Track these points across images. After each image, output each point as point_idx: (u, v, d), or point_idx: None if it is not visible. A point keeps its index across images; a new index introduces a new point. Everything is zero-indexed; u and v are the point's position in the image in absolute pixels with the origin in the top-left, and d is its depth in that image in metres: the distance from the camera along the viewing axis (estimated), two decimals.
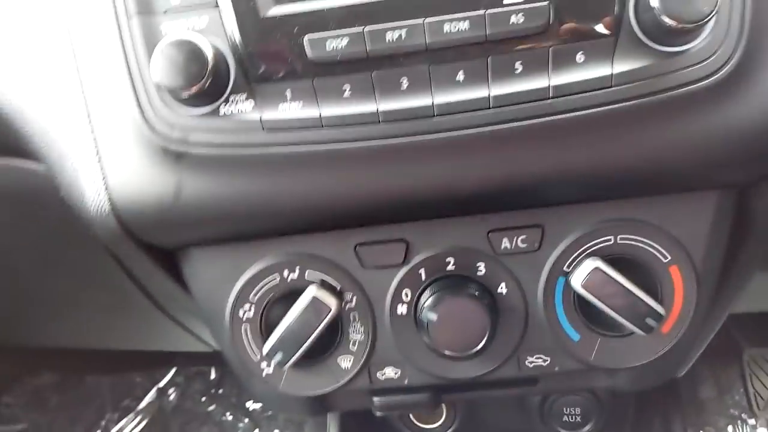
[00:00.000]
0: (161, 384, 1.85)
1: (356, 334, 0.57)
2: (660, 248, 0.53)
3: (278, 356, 0.55)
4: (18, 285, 0.97)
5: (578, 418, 0.91)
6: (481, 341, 0.52)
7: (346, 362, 0.57)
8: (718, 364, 1.43)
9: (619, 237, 0.53)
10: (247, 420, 1.75)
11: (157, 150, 0.49)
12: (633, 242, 0.53)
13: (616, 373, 0.59)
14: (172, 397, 1.84)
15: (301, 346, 0.54)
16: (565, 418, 0.92)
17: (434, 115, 0.46)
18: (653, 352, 0.55)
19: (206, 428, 1.77)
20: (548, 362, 0.57)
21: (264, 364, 0.57)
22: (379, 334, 0.57)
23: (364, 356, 0.57)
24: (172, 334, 1.13)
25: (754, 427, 1.42)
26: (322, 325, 0.54)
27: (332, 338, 0.57)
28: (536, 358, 0.57)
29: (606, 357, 0.55)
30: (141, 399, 1.84)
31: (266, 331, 0.56)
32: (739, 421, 1.43)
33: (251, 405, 1.77)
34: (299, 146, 0.48)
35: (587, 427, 0.91)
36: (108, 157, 0.51)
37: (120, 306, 1.06)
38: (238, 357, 0.57)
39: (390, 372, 0.58)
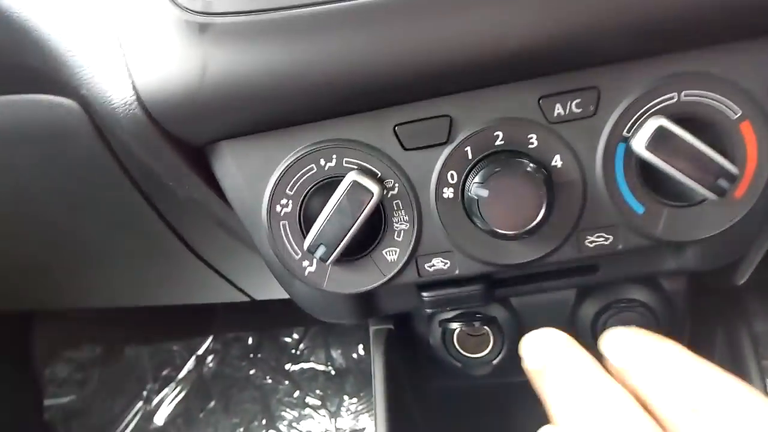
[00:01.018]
0: (200, 351, 1.86)
1: (401, 223, 0.53)
2: (729, 102, 0.48)
3: (320, 251, 0.51)
4: (49, 234, 0.96)
5: None
6: (537, 217, 0.48)
7: (392, 255, 0.54)
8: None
9: (683, 93, 0.48)
10: (287, 382, 1.75)
11: (179, 23, 0.46)
12: (698, 98, 0.48)
13: (683, 250, 0.54)
14: (211, 365, 1.84)
15: (344, 238, 0.51)
16: None
17: None
18: (726, 219, 0.51)
19: (247, 393, 1.77)
20: (610, 240, 0.52)
21: (306, 262, 0.54)
22: (425, 222, 0.53)
23: (411, 247, 0.53)
24: (210, 285, 1.11)
25: None
26: (364, 213, 0.50)
27: (376, 230, 0.53)
28: (597, 236, 0.52)
29: (675, 229, 0.51)
30: (180, 368, 1.84)
31: (306, 226, 0.53)
32: None
33: (290, 367, 1.77)
34: (333, 3, 0.44)
35: None
36: (128, 40, 0.48)
37: (155, 255, 1.05)
38: (279, 257, 0.54)
39: (439, 263, 0.54)
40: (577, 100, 0.49)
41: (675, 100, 0.48)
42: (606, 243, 0.53)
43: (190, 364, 1.86)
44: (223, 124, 0.51)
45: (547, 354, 0.41)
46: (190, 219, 0.87)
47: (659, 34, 0.46)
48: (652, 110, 0.49)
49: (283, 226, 0.54)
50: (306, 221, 0.53)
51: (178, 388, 1.82)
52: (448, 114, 0.51)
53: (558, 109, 0.49)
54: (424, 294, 0.57)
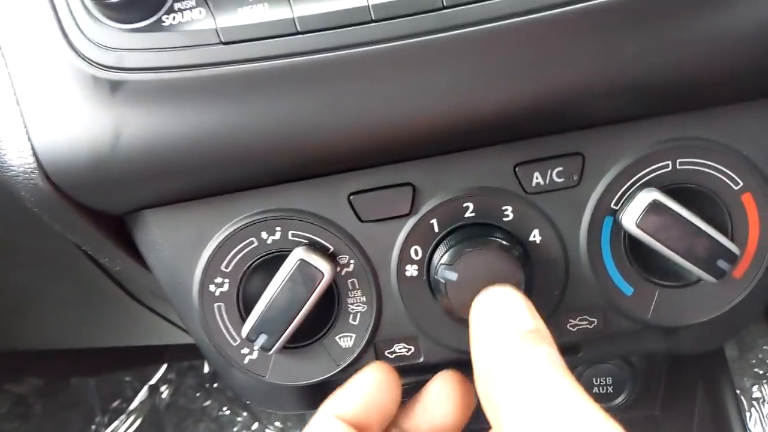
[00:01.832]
0: (152, 381, 1.76)
1: (357, 305, 0.46)
2: (729, 172, 0.42)
3: (262, 339, 0.44)
4: None
5: (610, 389, 0.81)
6: None
7: (346, 341, 0.47)
8: None
9: (678, 162, 0.42)
10: (245, 414, 1.66)
11: (87, 80, 0.38)
12: (695, 167, 0.42)
13: (677, 332, 0.49)
14: (164, 395, 1.74)
15: (289, 324, 0.43)
16: (595, 389, 0.82)
17: (443, 7, 0.35)
18: (725, 302, 0.45)
19: (203, 425, 1.68)
20: (594, 324, 0.46)
21: (245, 350, 0.47)
22: (385, 303, 0.46)
23: (369, 332, 0.46)
24: (151, 326, 1.04)
25: None
26: (314, 295, 0.43)
27: (327, 313, 0.46)
28: (580, 320, 0.46)
29: (667, 313, 0.45)
30: (132, 399, 1.74)
31: (245, 308, 0.45)
32: (764, 381, 1.35)
33: None
34: (266, 61, 0.37)
35: (620, 399, 0.81)
36: (27, 95, 0.40)
37: (89, 299, 0.97)
38: (213, 343, 0.46)
39: (401, 349, 0.47)
40: (559, 168, 0.43)
41: (669, 168, 0.42)
42: (589, 327, 0.46)
43: (142, 394, 1.76)
44: (143, 195, 0.43)
45: (499, 353, 0.35)
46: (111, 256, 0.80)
47: (654, 96, 0.40)
48: (644, 180, 0.42)
49: (218, 308, 0.46)
50: (246, 303, 0.46)
51: (129, 420, 1.72)
52: (410, 182, 0.44)
53: (537, 178, 0.43)
54: None
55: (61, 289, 0.92)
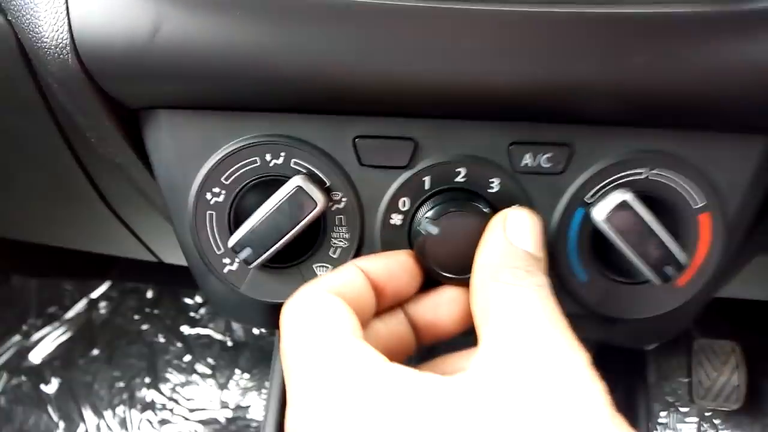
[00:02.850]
0: (93, 295, 1.75)
1: (340, 240, 0.49)
2: (694, 191, 0.47)
3: (246, 252, 0.47)
4: None
5: None
6: None
7: (322, 270, 0.50)
8: (665, 348, 1.44)
9: (651, 171, 0.47)
10: (180, 344, 1.67)
11: None
12: (665, 180, 0.47)
13: (615, 325, 0.54)
14: (103, 311, 1.74)
15: (274, 244, 0.46)
16: None
17: None
18: (664, 305, 0.50)
19: (135, 347, 1.68)
20: None
21: (227, 260, 0.49)
22: (365, 243, 0.49)
23: None
24: (114, 236, 1.04)
25: (685, 415, 1.44)
26: (303, 222, 0.46)
27: (311, 241, 0.49)
28: None
29: (611, 305, 0.50)
30: (69, 308, 1.74)
31: (235, 222, 0.48)
32: (672, 409, 1.44)
33: (186, 330, 1.70)
34: None
35: None
36: None
37: (60, 194, 0.96)
38: (198, 248, 0.49)
39: None
40: (549, 154, 0.47)
41: (642, 176, 0.47)
42: None
43: (80, 306, 1.75)
44: (166, 92, 0.45)
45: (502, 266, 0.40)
46: (107, 168, 0.80)
47: (642, 109, 0.44)
48: (620, 182, 0.47)
49: (210, 216, 0.48)
50: (236, 217, 0.48)
51: (62, 329, 1.72)
52: (413, 137, 0.47)
53: (527, 159, 0.47)
54: None
55: (36, 180, 0.92)
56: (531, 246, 0.41)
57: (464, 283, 0.46)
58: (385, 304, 0.45)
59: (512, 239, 0.41)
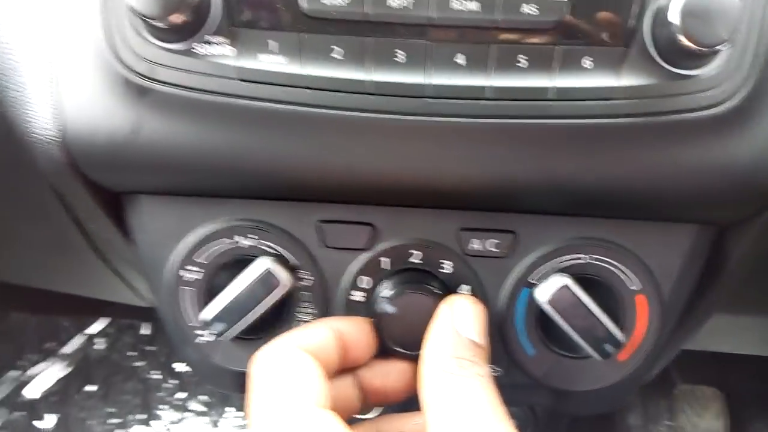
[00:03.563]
0: (90, 331, 1.78)
1: (305, 315, 0.53)
2: (630, 275, 0.51)
3: (218, 326, 0.51)
4: None
5: None
6: None
7: None
8: (649, 394, 1.46)
9: (590, 256, 0.51)
10: (174, 381, 1.70)
11: (120, 81, 0.45)
12: (604, 264, 0.51)
13: (563, 394, 0.57)
14: (99, 347, 1.77)
15: (243, 318, 0.50)
16: None
17: (426, 96, 0.43)
18: (606, 378, 0.53)
19: (131, 384, 1.71)
20: (498, 373, 0.54)
21: (200, 332, 0.53)
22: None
23: None
24: (108, 283, 1.07)
25: None
26: (269, 299, 0.50)
27: (278, 315, 0.53)
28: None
29: (557, 377, 0.53)
30: (66, 344, 1.77)
31: (208, 297, 0.52)
32: None
33: (181, 367, 1.72)
34: (275, 104, 0.44)
35: None
36: (63, 79, 0.47)
37: (58, 245, 1.00)
38: (175, 320, 0.53)
39: None
40: (494, 240, 0.51)
41: (582, 261, 0.51)
42: (493, 374, 0.54)
43: (77, 341, 1.78)
44: (145, 180, 0.50)
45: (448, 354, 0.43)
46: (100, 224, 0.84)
47: (580, 203, 0.48)
48: (561, 266, 0.51)
49: (186, 292, 0.53)
50: (210, 292, 0.52)
51: (60, 364, 1.74)
52: (372, 223, 0.51)
53: (474, 243, 0.51)
54: None
55: (30, 230, 0.96)
56: (476, 335, 0.45)
57: (415, 358, 0.49)
58: (344, 365, 0.48)
59: (459, 328, 0.45)
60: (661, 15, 0.41)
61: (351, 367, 0.49)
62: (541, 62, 0.43)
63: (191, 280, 0.52)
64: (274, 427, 0.39)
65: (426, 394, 0.42)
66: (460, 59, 0.43)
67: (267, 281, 0.50)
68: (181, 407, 1.68)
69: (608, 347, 0.50)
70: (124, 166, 0.48)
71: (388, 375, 0.50)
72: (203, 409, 1.67)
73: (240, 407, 1.66)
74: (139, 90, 0.45)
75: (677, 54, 0.42)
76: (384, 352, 0.51)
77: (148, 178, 0.49)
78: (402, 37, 0.42)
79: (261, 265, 0.50)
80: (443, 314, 0.46)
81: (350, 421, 0.40)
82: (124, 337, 1.79)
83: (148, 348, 1.76)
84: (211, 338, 0.53)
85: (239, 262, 0.52)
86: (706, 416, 1.39)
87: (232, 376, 0.57)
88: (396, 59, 0.43)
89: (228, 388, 0.58)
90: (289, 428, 0.38)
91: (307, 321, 0.53)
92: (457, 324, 0.45)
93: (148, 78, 0.44)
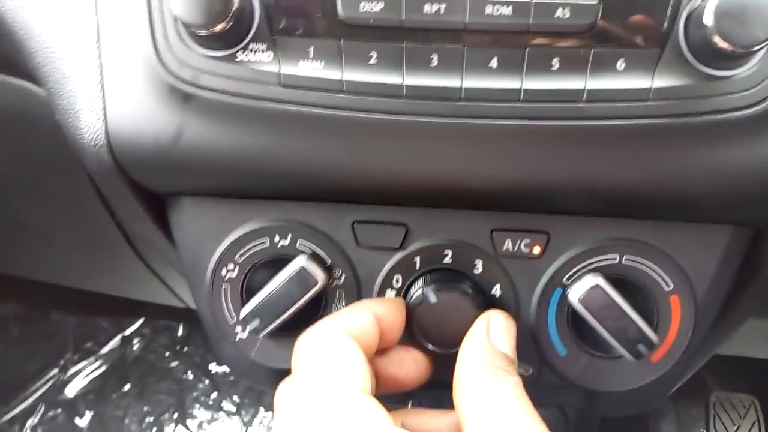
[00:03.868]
0: (127, 332, 1.83)
1: None
2: (664, 275, 0.51)
3: (255, 323, 0.52)
4: None
5: None
6: None
7: None
8: (684, 401, 1.44)
9: (624, 257, 0.51)
10: (207, 382, 1.73)
11: (164, 87, 0.47)
12: (637, 265, 0.51)
13: (595, 395, 0.57)
14: (135, 347, 1.81)
15: (280, 316, 0.52)
16: None
17: (460, 99, 0.44)
18: (639, 379, 0.54)
19: (165, 384, 1.75)
20: (530, 373, 0.55)
21: (239, 329, 0.55)
22: None
23: None
24: (145, 283, 1.11)
25: None
26: (306, 297, 0.51)
27: (313, 313, 0.55)
28: (519, 366, 0.55)
29: (589, 377, 0.54)
30: (104, 344, 1.81)
31: (246, 294, 0.54)
32: None
33: (214, 367, 1.76)
34: (314, 108, 0.45)
35: None
36: (111, 85, 0.49)
37: (97, 246, 1.03)
38: (213, 317, 0.55)
39: None
40: (527, 240, 0.51)
41: (616, 261, 0.51)
42: (525, 374, 0.55)
43: (115, 342, 1.83)
44: (187, 183, 0.52)
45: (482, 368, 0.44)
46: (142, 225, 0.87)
47: (613, 204, 0.49)
48: (593, 266, 0.51)
49: (225, 290, 0.54)
50: (248, 290, 0.54)
51: (97, 364, 1.79)
52: (405, 223, 0.52)
53: (507, 244, 0.52)
54: None
55: (75, 233, 1.00)
56: (508, 349, 0.46)
57: (436, 353, 0.50)
58: (379, 350, 0.48)
59: (493, 341, 0.46)
60: (695, 16, 0.42)
61: (382, 349, 0.49)
62: (574, 65, 0.43)
63: (230, 278, 0.54)
64: (319, 411, 0.39)
65: (463, 400, 0.43)
66: (494, 62, 0.43)
67: (303, 279, 0.51)
68: (214, 407, 1.70)
69: (641, 348, 0.50)
70: (167, 168, 0.50)
71: (403, 363, 0.50)
72: (235, 409, 1.69)
73: (271, 407, 1.68)
74: (183, 96, 0.47)
75: (712, 55, 0.42)
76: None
77: (190, 180, 0.51)
78: (436, 42, 0.43)
79: (297, 263, 0.51)
80: (479, 325, 0.47)
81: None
82: (160, 337, 1.83)
83: (183, 348, 1.80)
84: (248, 335, 0.55)
85: (277, 261, 0.53)
86: (743, 424, 1.37)
87: (268, 372, 0.58)
88: (431, 64, 0.44)
89: (263, 384, 0.60)
90: (334, 413, 0.39)
91: None
92: (493, 336, 0.46)
93: (192, 84, 0.46)
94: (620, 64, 0.43)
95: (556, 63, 0.43)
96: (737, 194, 0.46)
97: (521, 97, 0.44)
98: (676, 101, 0.43)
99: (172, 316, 1.84)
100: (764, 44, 0.40)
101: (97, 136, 0.50)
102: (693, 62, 0.43)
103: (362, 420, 0.39)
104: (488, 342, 0.46)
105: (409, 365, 0.50)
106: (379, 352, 0.49)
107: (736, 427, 1.37)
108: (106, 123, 0.49)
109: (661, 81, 0.43)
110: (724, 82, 0.43)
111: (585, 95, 0.44)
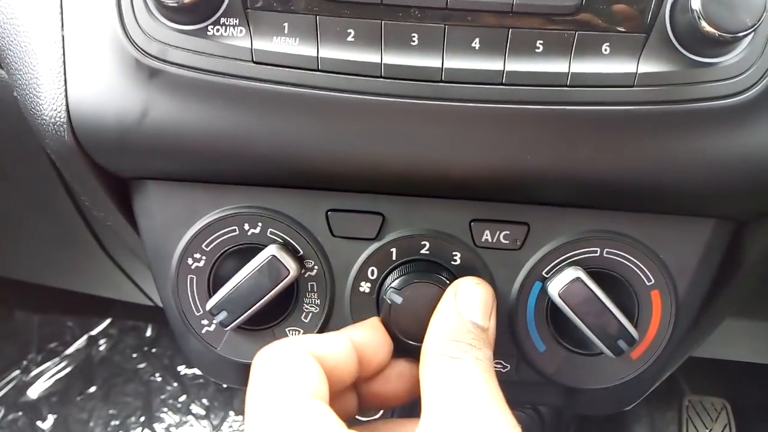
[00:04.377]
0: (93, 332, 1.78)
1: (311, 306, 0.52)
2: (645, 269, 0.50)
3: (222, 315, 0.50)
4: None
5: None
6: None
7: (294, 334, 0.53)
8: (657, 404, 1.44)
9: (605, 250, 0.50)
10: (176, 384, 1.69)
11: (130, 62, 0.44)
12: (619, 258, 0.50)
13: (574, 392, 0.56)
14: (102, 348, 1.77)
15: (249, 308, 0.49)
16: None
17: (441, 80, 0.42)
18: (618, 376, 0.52)
19: (132, 386, 1.70)
20: (507, 369, 0.53)
21: (205, 322, 0.53)
22: (335, 309, 0.52)
23: (316, 330, 0.53)
24: (112, 280, 1.08)
25: None
26: (276, 288, 0.49)
27: (284, 306, 0.52)
28: (496, 363, 0.53)
29: (568, 374, 0.52)
30: (69, 344, 1.76)
31: (214, 286, 0.51)
32: None
33: (182, 369, 1.71)
34: (287, 86, 0.43)
35: None
36: (73, 59, 0.46)
37: (62, 240, 1.00)
38: (178, 309, 0.52)
39: None
40: (506, 232, 0.50)
41: (597, 254, 0.50)
42: (502, 370, 0.53)
43: (81, 342, 1.78)
44: (153, 166, 0.49)
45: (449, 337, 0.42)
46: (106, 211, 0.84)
47: (595, 193, 0.47)
48: (574, 259, 0.50)
49: (191, 279, 0.52)
50: (215, 281, 0.52)
51: (62, 365, 1.74)
52: (381, 212, 0.50)
53: (486, 235, 0.50)
54: None
55: (39, 226, 0.96)
56: (478, 316, 0.44)
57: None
58: (365, 375, 0.47)
59: (461, 309, 0.44)
60: (682, 1, 0.41)
61: (371, 375, 0.48)
62: (558, 48, 0.42)
63: (197, 267, 0.51)
64: (267, 415, 0.38)
65: (423, 381, 0.41)
66: (476, 43, 0.42)
67: (273, 269, 0.49)
68: (182, 410, 1.66)
69: (621, 344, 0.49)
70: (131, 149, 0.47)
71: (387, 380, 0.48)
72: (204, 413, 1.65)
73: (241, 411, 1.64)
74: (149, 71, 0.44)
75: (698, 41, 0.41)
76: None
77: (155, 163, 0.49)
78: (417, 20, 0.42)
79: (267, 252, 0.49)
80: (447, 297, 0.46)
81: (348, 423, 0.39)
82: (127, 338, 1.78)
83: (151, 350, 1.75)
84: (215, 328, 0.52)
85: (246, 250, 0.51)
86: (713, 427, 1.37)
87: (235, 368, 0.56)
88: (411, 43, 0.42)
89: (231, 381, 0.57)
90: (280, 416, 0.38)
91: (313, 311, 0.52)
92: (460, 305, 0.44)
93: (160, 59, 0.44)
94: (605, 48, 0.42)
95: (539, 45, 0.42)
96: (721, 185, 0.45)
97: (503, 80, 0.42)
98: (661, 87, 0.42)
99: (140, 316, 1.79)
100: (751, 30, 0.39)
101: (58, 113, 0.47)
102: (679, 48, 0.42)
103: (310, 423, 0.37)
104: (455, 314, 0.44)
105: (395, 381, 0.48)
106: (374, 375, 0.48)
107: (708, 431, 1.37)
108: (67, 99, 0.46)
109: (646, 66, 0.42)
110: (710, 69, 0.42)
111: (569, 79, 0.42)
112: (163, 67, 0.44)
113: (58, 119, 0.47)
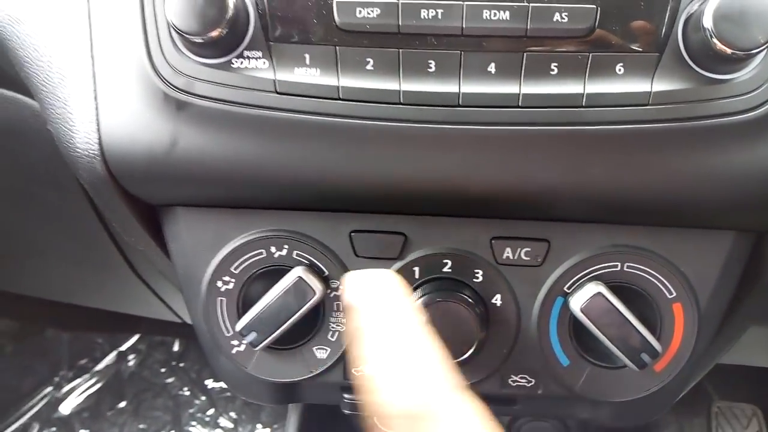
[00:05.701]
0: (122, 348, 1.81)
1: (337, 325, 0.54)
2: (666, 283, 0.50)
3: (252, 336, 0.51)
4: None
5: None
6: (468, 351, 0.49)
7: (322, 352, 0.54)
8: (685, 411, 1.42)
9: (626, 265, 0.50)
10: (204, 398, 1.71)
11: (158, 95, 0.46)
12: (639, 272, 0.51)
13: (599, 405, 0.56)
14: (131, 363, 1.80)
15: (277, 329, 0.51)
16: None
17: (458, 105, 0.44)
18: (642, 389, 0.53)
19: (161, 400, 1.73)
20: (532, 384, 0.54)
21: (235, 342, 0.54)
22: None
23: (342, 349, 0.54)
24: (140, 298, 1.10)
25: None
26: (303, 309, 0.51)
27: (311, 326, 0.54)
28: (520, 377, 0.54)
29: (592, 387, 0.53)
30: (99, 360, 1.79)
31: (243, 307, 0.53)
32: None
33: (210, 383, 1.74)
34: (310, 115, 0.45)
35: None
36: (104, 93, 0.48)
37: (92, 260, 1.03)
38: (209, 330, 0.54)
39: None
40: (527, 248, 0.51)
41: (618, 268, 0.50)
42: (527, 385, 0.54)
43: (110, 358, 1.81)
44: (182, 193, 0.51)
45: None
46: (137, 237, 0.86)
47: (614, 209, 0.48)
48: (595, 274, 0.51)
49: (221, 302, 0.53)
50: (244, 303, 0.53)
51: (92, 381, 1.77)
52: (403, 232, 0.52)
53: (507, 252, 0.51)
54: (346, 396, 0.57)
55: (68, 247, 0.99)
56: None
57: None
58: None
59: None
60: (694, 19, 0.41)
61: None
62: (572, 69, 0.43)
63: (226, 290, 0.53)
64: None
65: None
66: (492, 68, 0.43)
67: (300, 290, 0.50)
68: (211, 423, 1.68)
69: (645, 357, 0.49)
70: (161, 178, 0.49)
71: None
72: (231, 425, 1.67)
73: (268, 423, 1.66)
74: (177, 104, 0.46)
75: (711, 59, 0.42)
76: None
77: (184, 191, 0.50)
78: (434, 47, 0.43)
79: (294, 274, 0.50)
80: None
81: None
82: (156, 353, 1.81)
83: (179, 364, 1.78)
84: (245, 348, 0.54)
85: (274, 272, 0.52)
86: None
87: (265, 386, 0.57)
88: (428, 69, 0.43)
89: (261, 399, 0.59)
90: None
91: (340, 330, 0.54)
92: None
93: (186, 92, 0.46)
94: (619, 68, 0.43)
95: (554, 67, 0.43)
96: (739, 199, 0.46)
97: (520, 102, 0.43)
98: (675, 105, 0.43)
99: (168, 331, 1.82)
100: (763, 47, 0.40)
101: (91, 145, 0.49)
102: (692, 66, 0.43)
103: None
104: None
105: None
106: None
107: None
108: (99, 132, 0.48)
109: (660, 85, 0.43)
110: (724, 85, 0.43)
111: (584, 100, 0.43)
112: (190, 99, 0.46)
113: (91, 152, 0.49)
